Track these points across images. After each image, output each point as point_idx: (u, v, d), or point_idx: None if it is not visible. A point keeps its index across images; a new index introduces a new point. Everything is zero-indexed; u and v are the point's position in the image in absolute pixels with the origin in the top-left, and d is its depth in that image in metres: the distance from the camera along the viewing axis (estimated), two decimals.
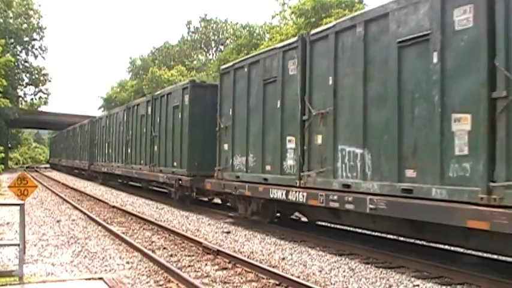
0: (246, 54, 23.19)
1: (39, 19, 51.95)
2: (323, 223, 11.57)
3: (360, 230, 10.44)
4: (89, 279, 6.41)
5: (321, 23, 24.93)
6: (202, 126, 14.71)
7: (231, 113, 12.45)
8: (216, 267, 7.78)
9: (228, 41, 59.55)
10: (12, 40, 47.94)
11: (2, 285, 5.82)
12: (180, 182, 15.40)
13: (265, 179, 10.84)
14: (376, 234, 10.03)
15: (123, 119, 23.46)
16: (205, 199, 16.37)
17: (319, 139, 9.27)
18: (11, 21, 47.75)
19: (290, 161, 10.14)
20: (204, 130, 14.48)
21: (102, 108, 66.36)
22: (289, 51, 10.28)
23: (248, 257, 8.27)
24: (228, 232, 11.07)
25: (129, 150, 22.09)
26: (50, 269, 7.52)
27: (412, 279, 6.99)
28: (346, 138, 8.59)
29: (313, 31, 9.82)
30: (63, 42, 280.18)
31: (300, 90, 9.75)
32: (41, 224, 12.21)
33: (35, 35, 51.94)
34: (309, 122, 9.52)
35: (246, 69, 11.91)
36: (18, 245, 6.20)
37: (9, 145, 56.30)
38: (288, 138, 10.15)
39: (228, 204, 13.66)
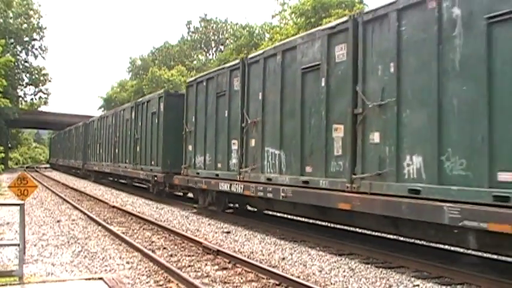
0: (246, 54, 23.23)
1: (39, 19, 51.94)
2: (322, 223, 11.68)
3: (360, 230, 10.47)
4: (89, 279, 6.38)
5: (321, 23, 24.93)
6: (174, 130, 16.40)
7: (193, 119, 14.59)
8: (216, 267, 7.76)
9: (228, 41, 59.54)
10: (12, 40, 47.87)
11: (2, 285, 5.81)
12: (156, 178, 17.71)
13: (217, 175, 12.97)
14: (376, 234, 10.05)
15: (112, 122, 25.62)
16: (181, 194, 18.35)
17: (252, 142, 11.49)
18: (11, 21, 47.68)
19: (234, 160, 12.26)
20: (176, 133, 16.07)
21: (102, 108, 66.34)
22: (234, 70, 12.45)
23: (248, 257, 8.26)
24: (228, 232, 11.07)
25: (116, 151, 24.27)
26: (50, 269, 7.48)
27: (412, 279, 6.99)
28: (269, 142, 10.78)
29: (250, 56, 12.20)
30: (63, 42, 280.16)
31: (240, 103, 11.96)
32: (41, 224, 12.18)
33: (35, 35, 51.87)
34: (246, 129, 11.70)
35: (204, 84, 14.01)
36: (18, 245, 6.18)
37: (9, 145, 56.27)
38: (233, 141, 12.32)
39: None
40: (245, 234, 10.78)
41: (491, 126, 6.09)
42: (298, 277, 6.94)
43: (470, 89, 6.40)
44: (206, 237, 10.42)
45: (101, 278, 6.30)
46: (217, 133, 13.13)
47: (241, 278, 7.04)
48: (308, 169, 9.44)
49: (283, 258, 8.38)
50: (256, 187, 10.88)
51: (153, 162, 18.46)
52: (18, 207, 6.60)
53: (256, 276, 7.11)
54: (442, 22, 6.81)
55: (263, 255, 8.67)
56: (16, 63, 44.75)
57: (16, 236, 8.92)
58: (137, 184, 22.52)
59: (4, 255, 8.27)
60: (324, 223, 11.66)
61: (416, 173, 7.09)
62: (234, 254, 8.32)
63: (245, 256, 8.36)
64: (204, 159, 13.87)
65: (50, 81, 55.59)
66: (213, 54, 63.66)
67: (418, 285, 6.69)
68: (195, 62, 60.55)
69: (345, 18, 8.83)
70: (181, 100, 16.08)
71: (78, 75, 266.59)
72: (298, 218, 12.65)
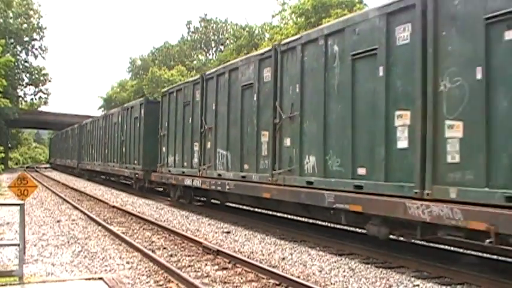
0: (245, 54, 23.30)
1: (39, 19, 52.37)
2: (323, 223, 11.83)
3: (359, 230, 10.48)
4: (89, 279, 6.46)
5: (321, 22, 24.98)
6: (153, 133, 19.02)
7: (166, 124, 17.44)
8: (216, 267, 7.85)
9: (228, 42, 59.53)
10: (12, 40, 48.18)
11: (2, 285, 5.85)
12: (137, 175, 20.67)
13: (183, 172, 15.62)
14: None
15: (103, 125, 28.81)
16: (161, 189, 20.63)
17: (208, 145, 14.07)
18: (11, 21, 48.00)
19: (196, 159, 14.87)
20: (154, 136, 18.70)
21: (102, 108, 66.36)
22: (196, 84, 15.18)
23: (248, 257, 8.36)
24: (228, 232, 11.15)
25: (106, 151, 27.52)
26: (50, 269, 7.60)
27: (412, 279, 7.04)
28: (220, 145, 13.37)
29: (207, 72, 14.94)
30: (63, 42, 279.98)
31: (200, 112, 14.63)
32: (41, 224, 12.28)
33: (35, 35, 52.27)
34: (204, 133, 14.32)
35: (175, 94, 16.83)
36: (18, 245, 6.24)
37: (9, 145, 56.43)
38: (195, 143, 14.91)
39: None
40: (245, 234, 10.85)
41: (353, 134, 8.41)
42: (298, 277, 7.02)
43: (342, 107, 8.75)
44: (206, 237, 10.49)
45: (101, 278, 6.37)
46: (184, 136, 15.80)
47: (241, 278, 7.12)
48: (245, 166, 11.97)
49: (283, 258, 8.44)
50: (210, 182, 13.46)
51: (135, 162, 21.55)
52: (18, 207, 6.63)
53: (256, 276, 7.20)
54: (328, 55, 9.15)
55: (263, 255, 8.73)
56: (16, 63, 45.07)
57: (16, 236, 8.96)
58: (123, 181, 25.41)
59: (4, 255, 8.40)
60: (324, 223, 11.80)
61: (311, 169, 9.54)
62: (234, 254, 8.42)
63: (245, 256, 8.47)
64: (174, 159, 16.64)
65: (50, 81, 56.13)
66: (213, 54, 64.07)
67: (418, 285, 6.77)
68: (195, 62, 60.82)
69: (269, 48, 11.48)
70: (158, 107, 18.61)
71: (78, 75, 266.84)
72: (298, 218, 12.71)
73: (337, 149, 8.79)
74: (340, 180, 8.60)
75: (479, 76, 6.34)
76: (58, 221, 12.96)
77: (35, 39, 52.60)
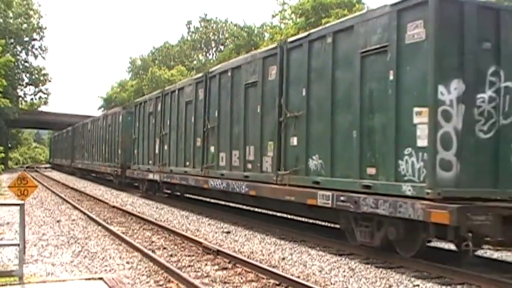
0: (245, 54, 23.34)
1: (39, 19, 51.94)
2: (323, 223, 11.57)
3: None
4: (89, 279, 6.41)
5: (320, 23, 24.93)
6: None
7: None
8: (216, 267, 7.78)
9: (227, 41, 59.50)
10: (12, 40, 47.85)
11: (2, 285, 5.82)
12: (67, 163, 30.52)
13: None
14: None
15: (61, 138, 45.10)
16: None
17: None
18: (11, 21, 47.65)
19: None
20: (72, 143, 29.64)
21: (102, 108, 66.29)
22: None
23: (248, 257, 8.28)
24: (228, 232, 11.08)
25: (63, 152, 44.79)
26: (50, 269, 7.51)
27: (412, 279, 7.01)
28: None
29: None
30: (63, 42, 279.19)
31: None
32: (41, 224, 12.19)
33: (35, 35, 51.86)
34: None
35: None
36: (18, 245, 6.20)
37: (9, 145, 56.29)
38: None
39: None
40: (245, 234, 10.78)
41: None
42: (298, 277, 6.96)
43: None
44: (206, 237, 10.43)
45: (101, 278, 6.32)
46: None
47: (241, 278, 7.05)
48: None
49: (283, 258, 8.38)
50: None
51: (67, 158, 39.08)
52: (18, 207, 6.60)
53: (256, 276, 7.12)
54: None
55: (263, 255, 8.67)
56: (16, 63, 44.75)
57: (16, 236, 8.92)
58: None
59: (4, 255, 8.29)
60: (324, 223, 11.66)
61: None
62: (234, 254, 8.34)
63: (245, 256, 8.38)
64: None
65: (50, 81, 55.57)
66: (213, 54, 63.72)
67: (418, 285, 6.72)
68: (195, 62, 60.56)
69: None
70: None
71: (78, 75, 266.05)
72: (298, 218, 12.65)
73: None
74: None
75: None
76: (58, 221, 12.77)
77: (35, 39, 52.02)
